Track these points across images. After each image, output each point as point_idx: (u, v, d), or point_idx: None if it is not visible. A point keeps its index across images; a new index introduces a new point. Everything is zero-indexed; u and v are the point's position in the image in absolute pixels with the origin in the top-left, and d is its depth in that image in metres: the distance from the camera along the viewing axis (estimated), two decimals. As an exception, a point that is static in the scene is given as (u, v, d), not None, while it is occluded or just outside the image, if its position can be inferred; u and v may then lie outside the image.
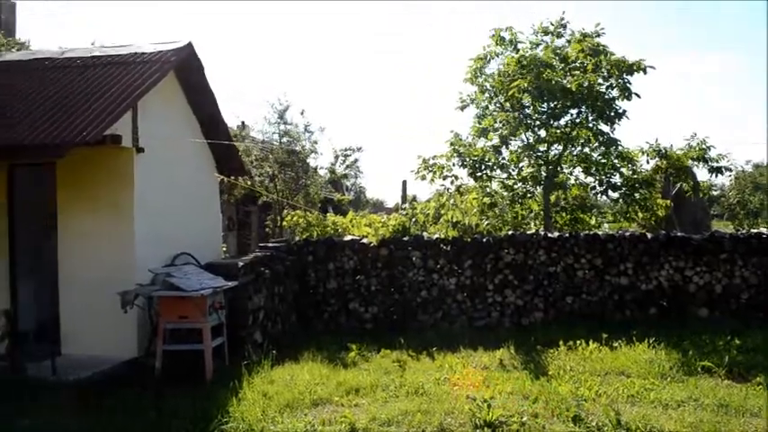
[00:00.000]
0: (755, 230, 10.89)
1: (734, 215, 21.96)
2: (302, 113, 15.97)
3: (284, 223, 12.02)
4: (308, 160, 15.88)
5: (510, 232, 10.51)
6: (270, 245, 10.11)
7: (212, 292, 7.27)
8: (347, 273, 10.23)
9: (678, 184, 13.48)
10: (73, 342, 7.64)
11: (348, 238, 10.52)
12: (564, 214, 13.03)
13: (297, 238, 10.80)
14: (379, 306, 10.11)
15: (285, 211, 13.39)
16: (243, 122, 18.88)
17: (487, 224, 10.49)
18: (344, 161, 17.23)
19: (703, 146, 12.00)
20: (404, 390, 6.49)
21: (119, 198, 7.85)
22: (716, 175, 11.87)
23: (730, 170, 12.16)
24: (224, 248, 11.01)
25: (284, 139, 15.05)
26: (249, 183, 12.75)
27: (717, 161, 11.52)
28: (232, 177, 10.77)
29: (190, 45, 9.03)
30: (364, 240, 10.28)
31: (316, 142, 15.60)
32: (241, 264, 8.27)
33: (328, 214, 11.84)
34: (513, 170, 12.77)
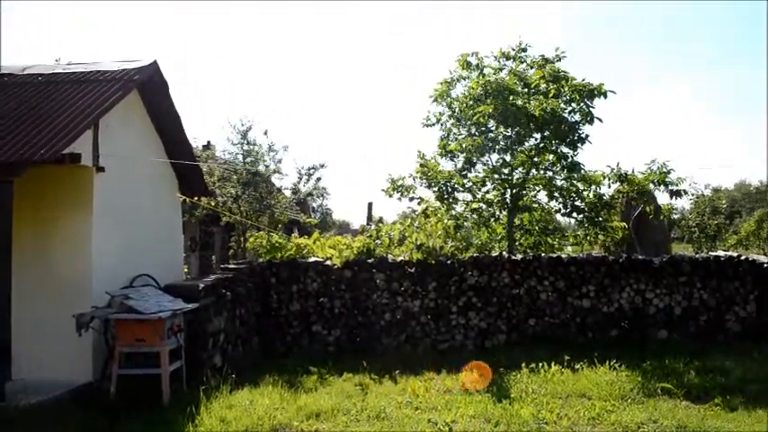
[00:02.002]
0: (713, 253, 11.09)
1: (693, 238, 22.42)
2: (266, 133, 15.95)
3: (248, 244, 11.88)
4: (272, 180, 15.80)
5: (474, 255, 10.55)
6: (232, 266, 9.97)
7: (171, 314, 7.13)
8: (310, 295, 10.14)
9: (639, 208, 13.69)
10: (25, 366, 7.37)
11: (312, 259, 10.44)
12: (528, 237, 13.13)
13: (260, 260, 10.69)
14: (342, 329, 10.03)
15: (249, 232, 13.25)
16: (208, 142, 18.78)
17: (451, 246, 10.50)
18: (308, 179, 17.16)
19: (663, 170, 12.22)
20: (365, 414, 6.42)
21: (77, 218, 7.69)
22: (676, 199, 12.08)
23: (688, 193, 12.37)
24: (186, 269, 10.85)
25: (248, 159, 14.96)
26: (212, 203, 12.60)
27: (676, 185, 11.76)
28: (195, 198, 10.62)
29: (155, 64, 8.96)
30: (328, 262, 10.21)
31: (280, 161, 15.53)
32: (202, 285, 8.13)
33: (293, 235, 11.73)
34: (478, 193, 12.85)
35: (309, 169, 16.98)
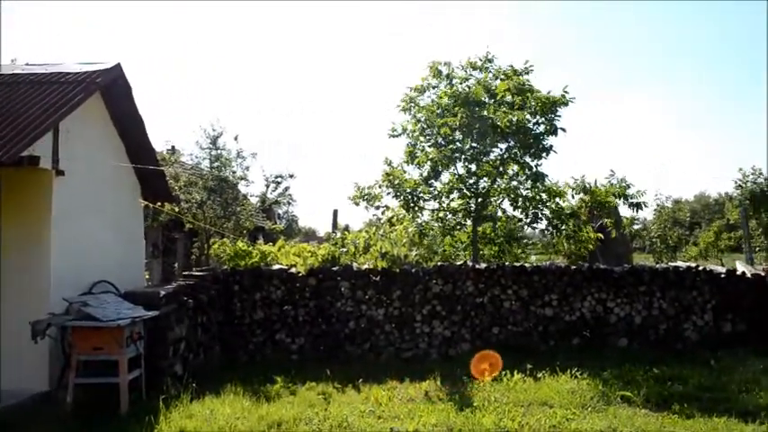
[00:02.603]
0: (673, 264, 11.31)
1: (654, 249, 22.86)
2: (236, 139, 15.84)
3: (211, 251, 11.75)
4: (238, 187, 15.67)
5: (439, 263, 10.59)
6: (195, 273, 9.85)
7: (130, 322, 7.01)
8: (274, 303, 10.06)
9: (601, 219, 13.92)
10: (-22, 374, 7.19)
11: (276, 267, 10.36)
12: (492, 246, 13.23)
13: (224, 267, 10.57)
14: (306, 337, 9.97)
15: (213, 238, 13.11)
16: (173, 147, 18.56)
17: (416, 255, 10.53)
18: (276, 188, 17.08)
19: (623, 183, 12.48)
20: (327, 423, 6.37)
21: (35, 222, 7.53)
22: (635, 211, 12.34)
23: (648, 205, 12.64)
24: (147, 276, 10.68)
25: (215, 164, 14.82)
26: (176, 209, 12.43)
27: (636, 197, 12.00)
28: (158, 203, 10.47)
29: (118, 67, 8.84)
30: (293, 270, 10.15)
31: (248, 168, 15.42)
32: (163, 293, 8.01)
33: (258, 242, 11.64)
34: (444, 202, 12.91)
35: (277, 177, 16.90)
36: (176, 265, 14.93)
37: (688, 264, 11.00)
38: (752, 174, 19.37)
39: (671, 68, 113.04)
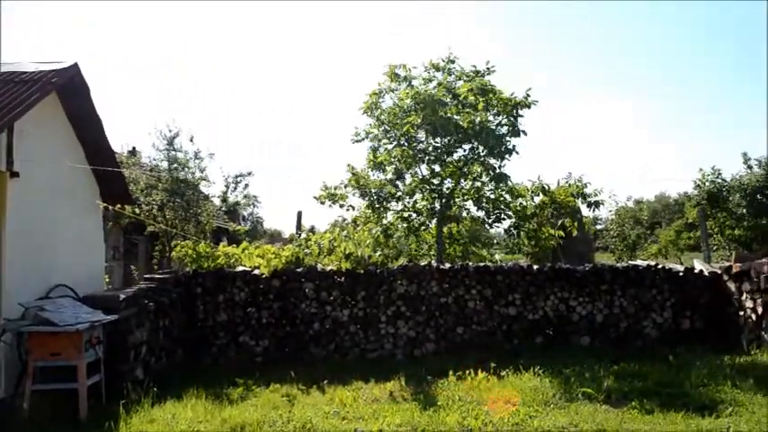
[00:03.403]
0: (633, 263, 11.50)
1: (615, 248, 23.23)
2: (191, 140, 15.62)
3: (173, 254, 11.59)
4: (200, 188, 15.48)
5: (404, 264, 10.61)
6: (156, 276, 9.70)
7: (89, 326, 6.87)
8: (238, 305, 9.97)
9: (561, 219, 14.11)
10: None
11: (240, 269, 10.28)
12: (456, 246, 13.30)
13: (186, 269, 10.44)
14: (270, 339, 9.90)
15: (174, 240, 12.93)
16: (133, 148, 18.28)
17: (381, 255, 10.53)
18: (236, 188, 16.90)
19: (580, 183, 12.69)
20: (291, 425, 6.33)
21: (-12, 225, 7.31)
22: (594, 210, 12.55)
23: (605, 204, 12.87)
24: (108, 280, 10.49)
25: (173, 166, 14.60)
26: (137, 211, 12.24)
27: (594, 196, 12.22)
28: (117, 205, 10.29)
29: (75, 66, 8.65)
30: (256, 271, 10.07)
31: (204, 170, 15.23)
32: (123, 296, 7.87)
33: (221, 244, 11.51)
34: (408, 202, 12.93)
35: (237, 177, 16.73)
36: (137, 267, 14.67)
37: (648, 262, 11.21)
38: (710, 174, 19.83)
39: (633, 72, 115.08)
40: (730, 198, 19.00)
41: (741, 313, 9.94)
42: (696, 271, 10.79)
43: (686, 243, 22.67)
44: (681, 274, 10.64)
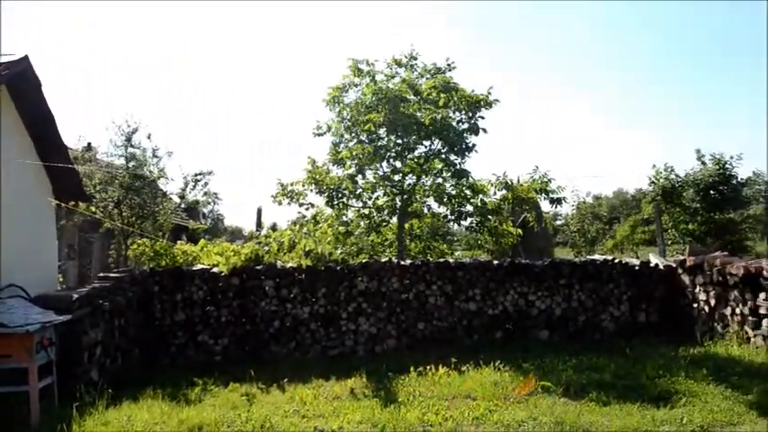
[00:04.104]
0: (591, 257, 11.66)
1: (574, 243, 23.58)
2: (149, 137, 15.29)
3: (130, 252, 11.35)
4: (158, 185, 15.19)
5: (364, 260, 10.57)
6: (111, 275, 9.48)
7: (40, 327, 6.65)
8: (196, 303, 9.81)
9: (523, 215, 14.26)
10: None
11: (198, 267, 10.11)
12: (418, 242, 13.32)
13: (143, 268, 10.22)
14: (229, 338, 9.77)
15: (131, 238, 12.66)
16: (89, 144, 17.86)
17: (341, 252, 10.47)
18: (195, 186, 16.60)
19: (544, 179, 12.81)
20: (250, 425, 6.24)
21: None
22: (555, 206, 12.71)
23: (567, 200, 13.05)
24: (61, 279, 10.22)
25: (131, 164, 14.29)
26: (92, 208, 11.94)
27: (556, 193, 12.37)
28: (71, 203, 10.02)
29: (26, 59, 8.41)
30: (215, 269, 9.92)
31: (162, 169, 14.94)
32: (76, 296, 7.65)
33: (179, 242, 11.30)
34: (369, 199, 12.91)
35: (196, 175, 16.43)
36: (92, 266, 14.33)
37: (605, 257, 11.37)
38: (664, 171, 20.25)
39: (600, 72, 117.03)
40: (684, 194, 19.42)
41: (695, 306, 10.17)
42: (651, 265, 11.00)
43: (641, 238, 23.12)
44: (637, 268, 10.83)
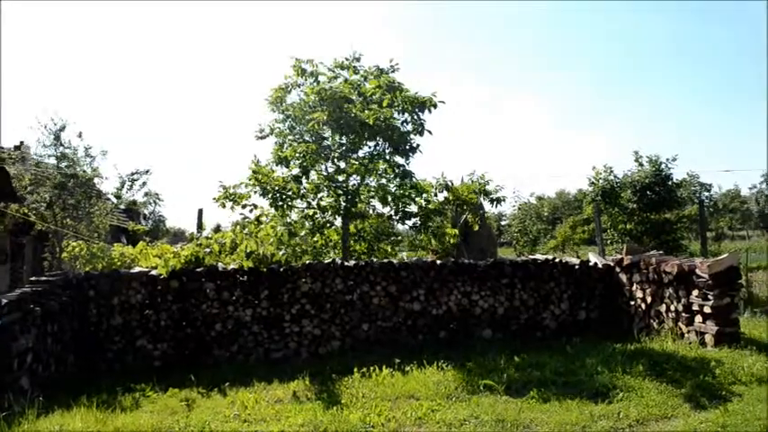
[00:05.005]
0: (533, 257, 11.85)
1: (516, 243, 23.95)
2: (80, 135, 14.73)
3: (64, 255, 10.96)
4: (92, 185, 14.70)
5: (308, 262, 10.47)
6: (43, 278, 9.13)
7: (-35, 334, 6.36)
8: (134, 307, 9.54)
9: (464, 215, 14.39)
10: None
11: (136, 269, 9.84)
12: (362, 243, 13.28)
13: (78, 271, 9.88)
14: (169, 342, 9.53)
15: (66, 241, 12.23)
16: (21, 142, 17.23)
17: (284, 254, 10.33)
18: (132, 186, 16.10)
19: (482, 180, 12.98)
20: (188, 431, 6.11)
21: None
22: (495, 206, 12.89)
23: (506, 200, 13.25)
24: (-10, 284, 9.79)
25: (63, 163, 13.77)
26: (24, 210, 11.48)
27: (495, 193, 12.56)
28: (1, 204, 9.62)
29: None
30: (154, 272, 9.67)
31: (96, 169, 14.47)
32: (5, 301, 7.34)
33: (116, 244, 10.98)
34: (313, 200, 12.79)
35: (133, 174, 15.95)
36: (25, 270, 13.80)
37: (546, 256, 11.57)
38: (604, 172, 20.74)
39: (548, 74, 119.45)
40: (622, 194, 19.93)
41: (632, 303, 10.45)
42: (591, 264, 11.25)
43: (581, 237, 23.63)
44: (577, 267, 11.05)
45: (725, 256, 9.41)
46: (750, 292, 13.00)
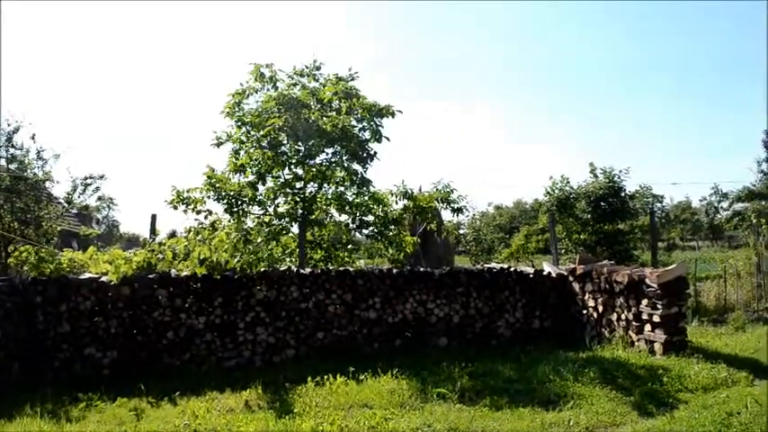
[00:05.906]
0: (488, 266, 11.95)
1: (471, 252, 24.13)
2: (33, 138, 14.34)
3: (11, 260, 10.64)
4: (44, 188, 14.32)
5: (263, 269, 10.37)
6: (-13, 285, 8.84)
7: None
8: (83, 314, 9.29)
9: (424, 224, 14.46)
10: None
11: (86, 275, 9.60)
12: (319, 251, 13.21)
13: (24, 277, 9.59)
14: (119, 350, 9.31)
15: (12, 245, 11.87)
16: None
17: (238, 261, 10.20)
18: (85, 190, 15.69)
19: (447, 189, 13.07)
20: (137, 441, 5.99)
21: None
22: (457, 215, 12.99)
23: (467, 210, 13.37)
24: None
25: (12, 165, 13.38)
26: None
27: (457, 202, 12.67)
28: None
29: None
30: (104, 278, 9.45)
31: (48, 172, 14.10)
32: (-55, 307, 7.10)
33: (66, 249, 10.68)
34: (270, 206, 12.69)
35: (86, 179, 15.55)
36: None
37: (501, 265, 11.70)
38: (559, 182, 21.03)
39: (502, 84, 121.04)
40: (577, 204, 20.24)
41: (585, 312, 10.64)
42: (545, 273, 11.40)
43: (536, 246, 23.91)
44: (531, 276, 11.20)
45: (673, 266, 9.65)
46: (698, 301, 13.34)
